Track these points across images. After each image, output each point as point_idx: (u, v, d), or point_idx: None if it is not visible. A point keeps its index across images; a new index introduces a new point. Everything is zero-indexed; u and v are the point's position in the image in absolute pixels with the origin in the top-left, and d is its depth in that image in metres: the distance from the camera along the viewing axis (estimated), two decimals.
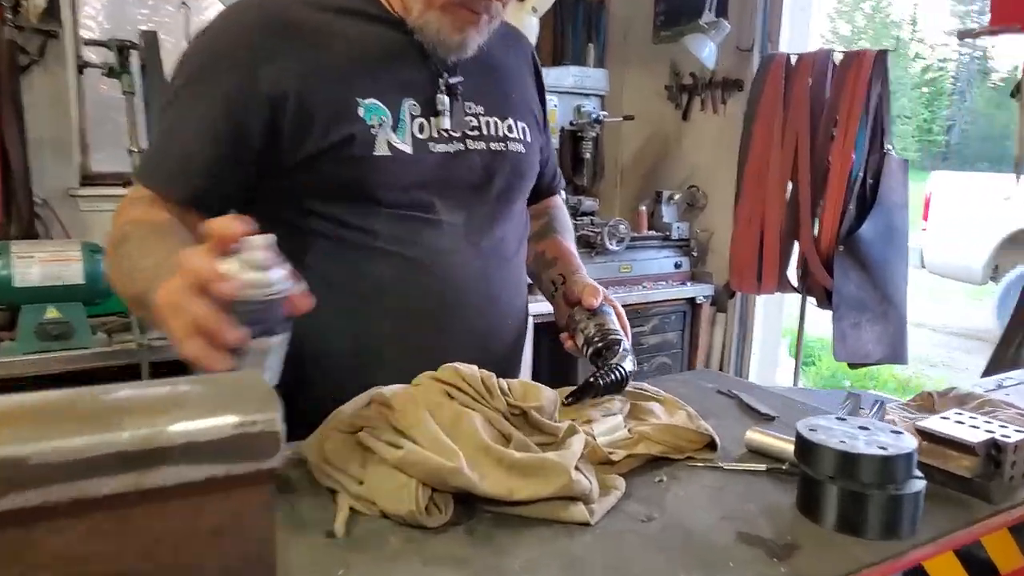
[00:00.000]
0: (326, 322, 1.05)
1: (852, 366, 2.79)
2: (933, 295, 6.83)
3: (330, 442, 0.83)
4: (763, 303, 3.32)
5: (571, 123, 3.17)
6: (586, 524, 0.75)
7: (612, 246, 2.94)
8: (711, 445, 0.93)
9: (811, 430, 0.80)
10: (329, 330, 1.04)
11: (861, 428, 0.81)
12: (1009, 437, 0.83)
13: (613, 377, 0.97)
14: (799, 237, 2.77)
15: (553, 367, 3.10)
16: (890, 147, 2.67)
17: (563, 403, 0.95)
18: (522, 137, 1.15)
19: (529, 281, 1.25)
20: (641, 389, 1.10)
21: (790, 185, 2.79)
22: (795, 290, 2.89)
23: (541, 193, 1.30)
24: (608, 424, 0.93)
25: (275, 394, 0.48)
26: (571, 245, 1.27)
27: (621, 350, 1.01)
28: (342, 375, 0.93)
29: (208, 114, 0.98)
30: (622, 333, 1.06)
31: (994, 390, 1.57)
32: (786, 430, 0.98)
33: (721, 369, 3.39)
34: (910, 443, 0.77)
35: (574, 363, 3.04)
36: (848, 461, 0.75)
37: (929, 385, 4.52)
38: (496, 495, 0.75)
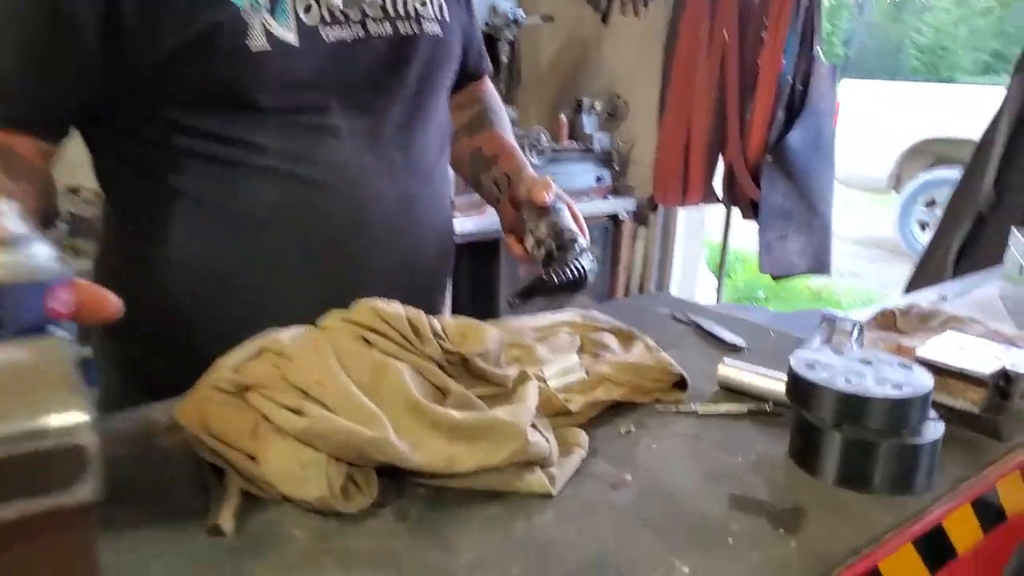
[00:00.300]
0: (207, 260, 0.85)
1: (776, 278, 2.75)
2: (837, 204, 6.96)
3: (213, 406, 0.65)
4: (685, 216, 3.23)
5: (486, 24, 2.92)
6: (547, 496, 0.60)
7: (533, 159, 2.76)
8: (680, 384, 0.79)
9: (808, 367, 0.67)
10: (211, 269, 0.84)
11: (864, 362, 0.68)
12: (1019, 366, 0.72)
13: (568, 274, 0.81)
14: (726, 146, 2.66)
15: (474, 293, 2.94)
16: (819, 51, 2.56)
17: (508, 303, 0.79)
18: (438, 15, 0.93)
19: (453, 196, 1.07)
20: (591, 319, 0.95)
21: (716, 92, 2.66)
22: (720, 201, 2.80)
23: (466, 77, 1.08)
24: (561, 365, 0.78)
25: (80, 381, 0.30)
26: (511, 138, 1.08)
27: (577, 248, 0.85)
28: (231, 323, 0.74)
29: (25, 10, 0.74)
30: (578, 231, 0.90)
31: (937, 302, 1.50)
32: (760, 362, 0.85)
33: (642, 286, 3.32)
34: (925, 380, 0.65)
35: (496, 290, 2.88)
36: (857, 405, 0.62)
37: (844, 297, 4.62)
38: (433, 468, 0.59)
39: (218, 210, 0.83)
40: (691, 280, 3.38)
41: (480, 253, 2.67)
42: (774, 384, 0.77)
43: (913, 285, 2.23)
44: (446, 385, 0.65)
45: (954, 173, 5.21)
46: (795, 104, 2.54)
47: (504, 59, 2.95)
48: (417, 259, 0.95)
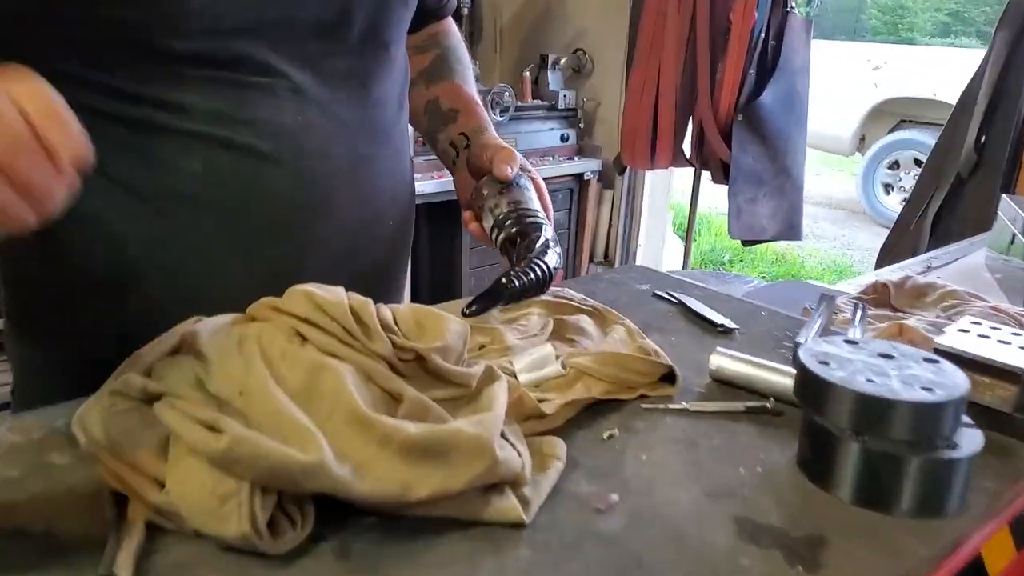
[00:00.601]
0: (120, 246, 0.72)
1: (746, 244, 2.67)
2: None
3: (115, 416, 0.53)
4: (651, 178, 3.14)
5: None
6: (520, 525, 0.50)
7: (496, 116, 2.63)
8: (668, 377, 0.69)
9: (821, 362, 0.57)
10: (126, 257, 0.72)
11: (884, 356, 0.59)
12: None
13: (531, 276, 0.68)
14: (696, 106, 2.56)
15: (434, 264, 2.81)
16: (793, 5, 2.45)
17: (463, 313, 0.66)
18: None
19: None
20: (564, 297, 0.84)
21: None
22: (690, 164, 2.70)
23: (426, 16, 0.94)
24: (533, 356, 0.68)
25: None
26: (474, 92, 0.95)
27: (542, 238, 0.73)
28: (151, 321, 0.62)
29: None
30: (543, 214, 0.77)
31: (924, 272, 1.43)
32: (756, 349, 0.76)
33: (607, 252, 3.23)
34: (958, 379, 0.56)
35: (459, 261, 2.76)
36: (882, 410, 0.53)
37: (809, 260, 4.58)
38: (384, 496, 0.48)
39: (131, 185, 0.70)
40: (657, 245, 3.30)
41: (440, 216, 2.54)
42: (775, 377, 0.67)
43: (889, 251, 2.17)
44: (398, 389, 0.54)
45: (918, 134, 5.22)
46: (768, 61, 2.45)
47: (464, 11, 2.79)
48: (374, 235, 0.84)
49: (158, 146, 0.69)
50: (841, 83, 5.59)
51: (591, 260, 3.22)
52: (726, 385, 0.71)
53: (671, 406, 0.66)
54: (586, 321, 0.80)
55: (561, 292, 0.86)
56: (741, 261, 4.52)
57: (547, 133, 2.99)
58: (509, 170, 0.77)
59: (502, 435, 0.54)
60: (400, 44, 0.85)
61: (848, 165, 6.57)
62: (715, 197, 2.81)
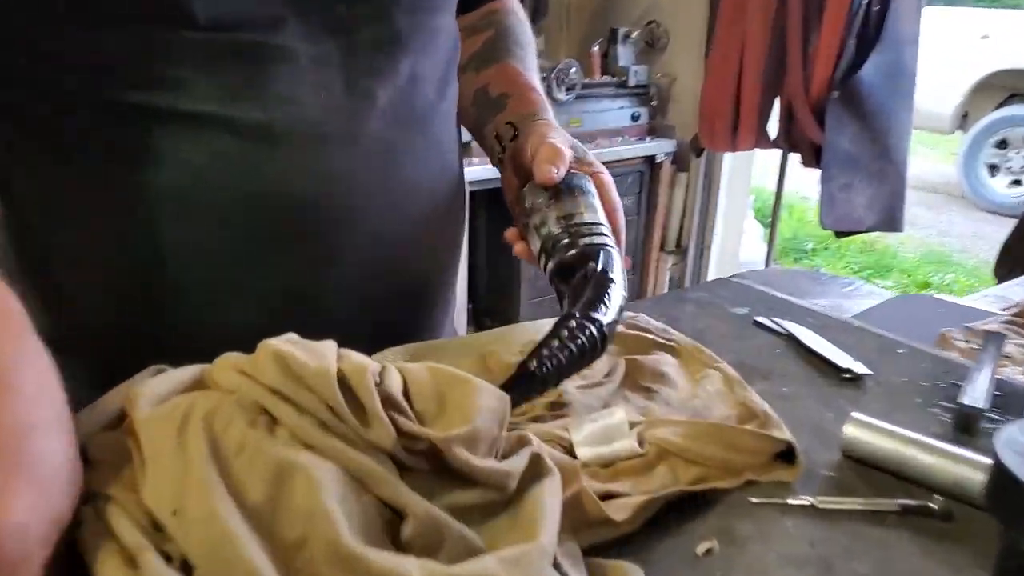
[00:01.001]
0: (106, 259, 0.59)
1: (839, 234, 2.42)
2: None
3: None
4: (731, 160, 2.90)
5: None
6: None
7: (561, 95, 2.44)
8: (786, 454, 0.51)
9: None
10: (114, 275, 0.59)
11: None
12: None
13: (572, 351, 0.49)
14: (785, 81, 2.31)
15: (493, 259, 2.63)
16: None
17: None
18: None
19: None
20: (640, 328, 0.66)
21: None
22: (776, 146, 2.46)
23: None
24: (598, 425, 0.50)
25: None
26: (532, 75, 0.76)
27: (602, 269, 0.54)
28: (141, 353, 0.47)
29: None
30: (607, 227, 0.59)
31: None
32: (899, 407, 0.57)
33: (680, 240, 3.01)
34: None
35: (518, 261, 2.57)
36: None
37: (901, 248, 4.22)
38: None
39: (121, 180, 0.56)
40: (735, 232, 3.06)
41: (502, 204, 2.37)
42: (943, 463, 0.48)
43: (1014, 250, 1.90)
44: (402, 502, 0.37)
45: None
46: (870, 31, 2.18)
47: None
48: (411, 239, 0.67)
49: (151, 133, 0.55)
50: (943, 54, 5.13)
51: (662, 248, 3.01)
52: (864, 465, 0.52)
53: (791, 501, 0.48)
54: (668, 363, 0.62)
55: (635, 320, 0.69)
56: (826, 249, 4.21)
57: (616, 112, 2.78)
58: (554, 171, 0.59)
59: (554, 562, 0.37)
60: (446, 11, 0.69)
61: (945, 144, 6.09)
62: (797, 179, 2.55)
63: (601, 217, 0.59)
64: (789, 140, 2.41)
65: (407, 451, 0.39)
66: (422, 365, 0.43)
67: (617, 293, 0.52)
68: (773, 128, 2.46)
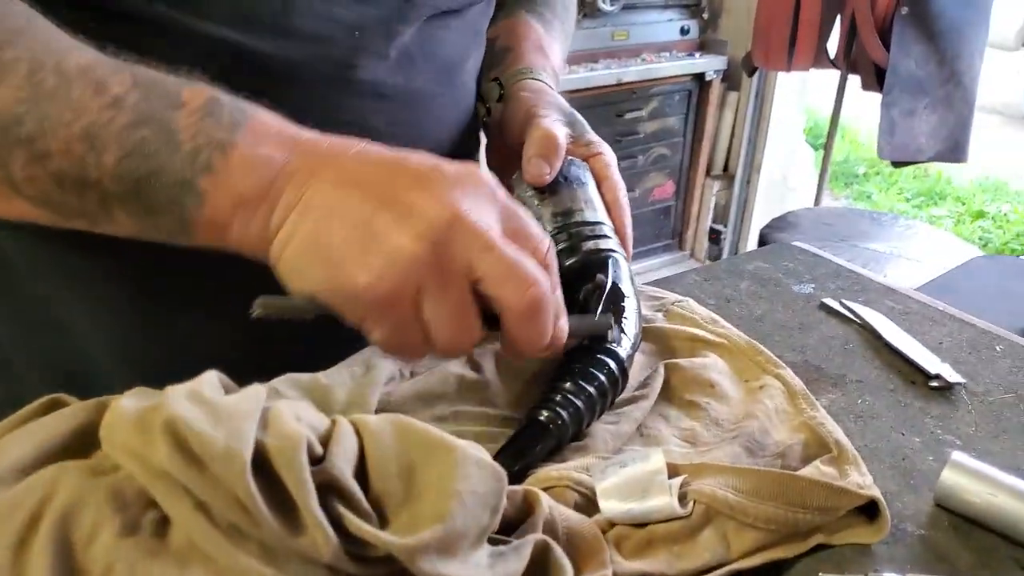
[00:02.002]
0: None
1: (896, 164, 2.25)
2: None
3: None
4: (784, 79, 2.70)
5: None
6: None
7: (606, 5, 2.27)
8: (867, 508, 0.42)
9: None
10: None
11: None
12: None
13: (592, 391, 0.44)
14: None
15: None
16: None
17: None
18: None
19: None
20: (683, 318, 0.57)
21: None
22: (835, 66, 2.27)
23: None
24: (628, 472, 0.41)
25: None
26: (551, 34, 0.66)
27: (612, 284, 0.47)
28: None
29: None
30: (608, 227, 0.51)
31: None
32: (1003, 430, 0.48)
33: (728, 164, 2.84)
34: None
35: None
36: None
37: (956, 176, 3.97)
38: None
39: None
40: (786, 156, 2.89)
41: None
42: None
43: None
44: None
45: None
46: None
47: None
48: None
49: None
50: None
51: (708, 173, 2.85)
52: (964, 520, 0.43)
53: (869, 571, 0.39)
54: (718, 368, 0.53)
55: (680, 306, 0.59)
56: (877, 175, 3.99)
57: (664, 25, 2.58)
58: (546, 171, 0.51)
59: None
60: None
61: (1004, 61, 5.68)
62: (850, 100, 2.36)
63: (602, 214, 0.51)
64: (849, 60, 2.22)
65: (355, 560, 0.30)
66: (388, 421, 0.34)
67: (633, 313, 0.47)
68: (832, 46, 2.27)
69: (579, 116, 0.57)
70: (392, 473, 0.32)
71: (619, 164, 0.54)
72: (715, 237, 2.92)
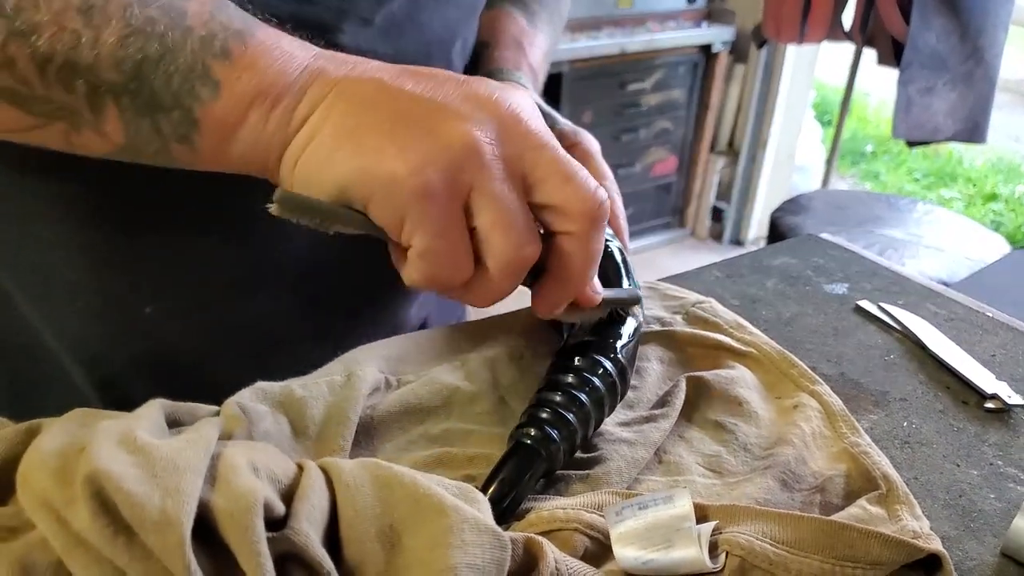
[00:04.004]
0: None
1: (911, 144, 2.18)
2: None
3: None
4: (795, 52, 2.61)
5: None
6: None
7: None
8: (928, 564, 0.36)
9: None
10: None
11: None
12: None
13: (584, 400, 0.39)
14: None
15: None
16: None
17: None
18: None
19: None
20: (706, 323, 0.51)
21: None
22: (849, 39, 2.18)
23: None
24: (648, 516, 0.35)
25: None
26: (534, 30, 0.60)
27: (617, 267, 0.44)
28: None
29: None
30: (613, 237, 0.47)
31: None
32: None
33: (733, 139, 2.77)
34: None
35: None
36: None
37: (967, 154, 3.89)
38: None
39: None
40: (793, 132, 2.81)
41: None
42: None
43: None
44: None
45: None
46: None
47: None
48: None
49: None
50: None
51: (712, 149, 2.78)
52: None
53: None
54: (746, 383, 0.46)
55: (702, 308, 0.53)
56: (886, 153, 3.91)
57: None
58: None
59: None
60: None
61: (1018, 37, 5.57)
62: (859, 74, 2.28)
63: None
64: (866, 33, 2.13)
65: None
66: (367, 470, 0.28)
67: (631, 323, 0.42)
68: (848, 18, 2.18)
69: (550, 109, 0.53)
70: (371, 536, 0.26)
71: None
72: (718, 215, 2.85)
